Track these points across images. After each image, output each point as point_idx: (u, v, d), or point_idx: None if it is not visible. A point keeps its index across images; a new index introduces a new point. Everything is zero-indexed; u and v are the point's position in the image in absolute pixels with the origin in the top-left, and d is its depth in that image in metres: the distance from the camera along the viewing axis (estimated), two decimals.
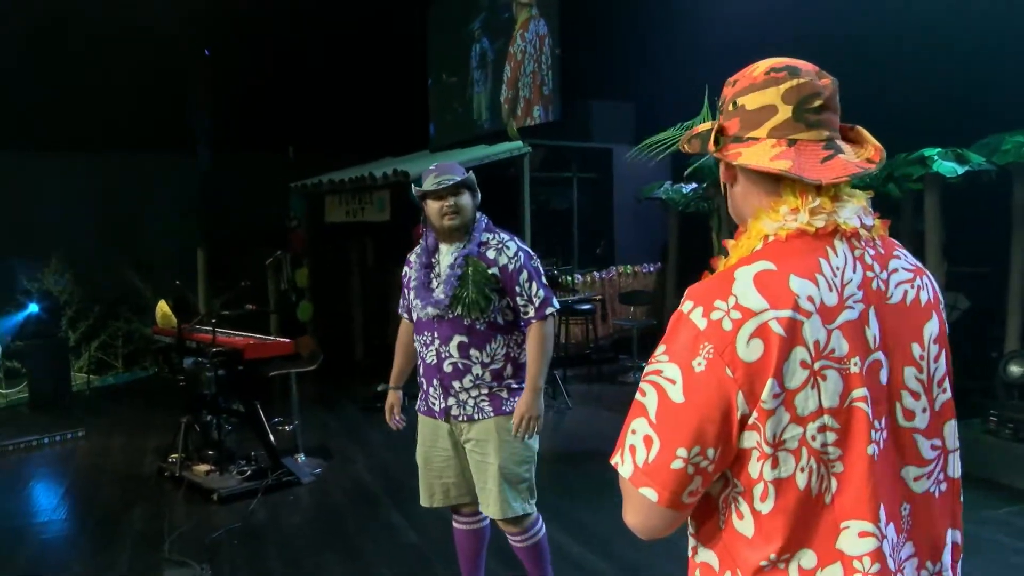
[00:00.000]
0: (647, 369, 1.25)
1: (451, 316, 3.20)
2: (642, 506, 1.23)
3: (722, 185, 1.40)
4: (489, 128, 9.93)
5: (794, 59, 1.31)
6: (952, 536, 1.32)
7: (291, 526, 4.88)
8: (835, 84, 1.30)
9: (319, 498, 5.35)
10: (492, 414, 3.23)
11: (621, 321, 9.36)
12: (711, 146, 1.29)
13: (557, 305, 3.34)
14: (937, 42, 6.32)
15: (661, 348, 1.24)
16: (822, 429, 1.17)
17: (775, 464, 1.17)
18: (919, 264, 1.35)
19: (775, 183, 1.28)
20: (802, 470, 1.17)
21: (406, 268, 3.47)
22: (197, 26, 9.52)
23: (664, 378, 1.20)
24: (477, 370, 3.21)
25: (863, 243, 1.27)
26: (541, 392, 3.26)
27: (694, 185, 8.61)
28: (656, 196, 9.24)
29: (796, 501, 1.18)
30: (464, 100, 10.49)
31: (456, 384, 3.23)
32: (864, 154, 1.31)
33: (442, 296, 3.20)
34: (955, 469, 1.32)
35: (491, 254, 3.25)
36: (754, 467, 1.19)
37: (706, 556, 1.30)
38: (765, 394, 1.15)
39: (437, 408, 3.29)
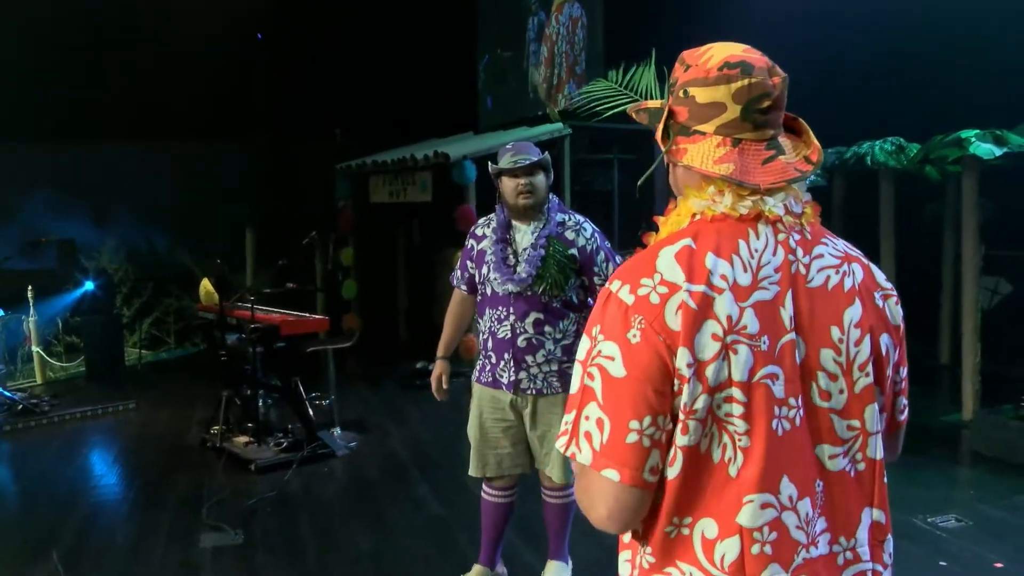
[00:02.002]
0: (586, 353, 1.28)
1: (530, 293, 3.33)
2: (606, 491, 1.24)
3: (666, 163, 1.42)
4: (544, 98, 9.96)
5: (749, 51, 1.32)
6: (872, 515, 1.34)
7: (323, 496, 5.06)
8: (785, 82, 1.32)
9: (352, 470, 5.53)
10: (560, 390, 3.37)
11: None
12: (661, 140, 1.33)
13: None
14: (978, 24, 6.20)
15: (595, 329, 1.28)
16: (728, 400, 1.22)
17: (684, 431, 1.22)
18: (852, 252, 1.37)
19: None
20: (705, 436, 1.23)
21: (472, 241, 3.56)
22: (247, 13, 9.75)
23: (604, 357, 1.25)
24: (550, 345, 3.35)
25: (788, 228, 1.31)
26: None
27: None
28: None
29: (699, 466, 1.23)
30: (520, 74, 10.51)
31: (529, 358, 3.35)
32: (803, 151, 1.34)
33: (525, 275, 3.32)
34: (876, 451, 1.33)
35: (570, 235, 3.39)
36: None
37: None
38: (679, 362, 1.20)
39: (506, 380, 3.39)
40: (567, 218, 3.44)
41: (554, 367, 3.37)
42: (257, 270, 9.64)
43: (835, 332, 1.29)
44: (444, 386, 3.62)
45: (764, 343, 1.23)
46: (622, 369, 1.22)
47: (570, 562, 3.75)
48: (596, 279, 3.38)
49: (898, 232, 6.92)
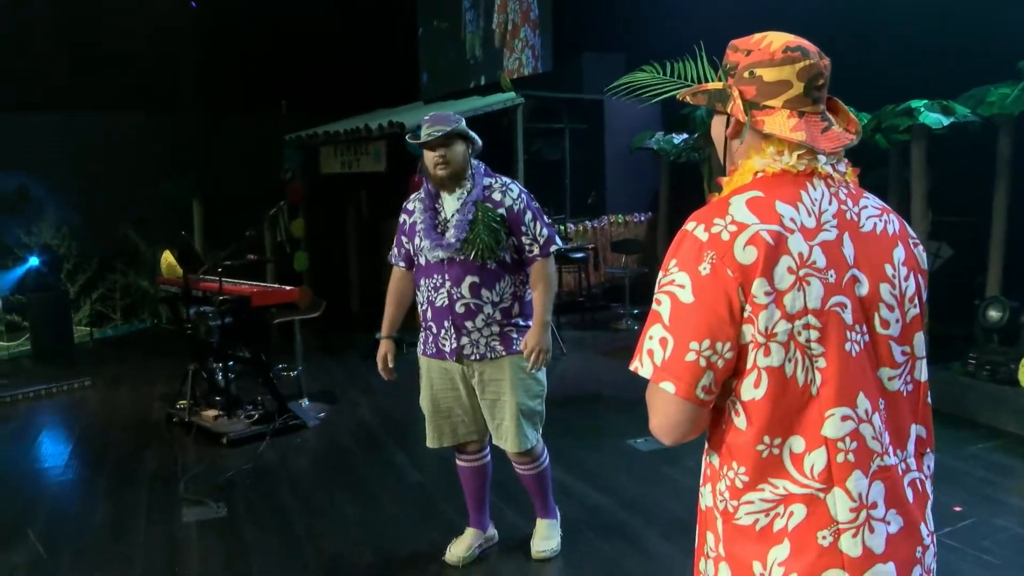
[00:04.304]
0: (660, 282, 1.44)
1: (461, 258, 3.34)
2: (662, 401, 1.42)
3: (722, 138, 1.60)
4: (483, 60, 9.93)
5: (799, 38, 1.51)
6: (916, 430, 1.52)
7: (300, 467, 5.08)
8: (830, 65, 1.52)
9: (325, 440, 5.55)
10: (504, 353, 3.41)
11: (613, 270, 9.53)
12: (740, 114, 1.49)
13: (560, 243, 3.55)
14: None
15: (672, 262, 1.44)
16: (806, 327, 1.38)
17: (767, 353, 1.38)
18: (885, 206, 1.57)
19: (767, 136, 1.50)
20: (789, 360, 1.38)
21: (403, 216, 3.58)
22: None
23: (675, 285, 1.41)
24: (488, 309, 3.38)
25: (837, 183, 1.50)
26: (549, 326, 3.47)
27: (685, 135, 8.71)
28: (647, 146, 9.34)
29: (784, 389, 1.39)
30: (457, 43, 10.47)
31: (468, 324, 3.38)
32: (843, 123, 1.54)
33: (453, 240, 3.34)
34: (921, 373, 1.52)
35: (497, 196, 3.42)
36: (749, 358, 1.39)
37: (711, 458, 1.52)
38: (755, 290, 1.36)
39: (448, 349, 3.42)
40: (494, 181, 3.47)
41: (495, 330, 3.40)
42: (207, 242, 9.46)
43: (888, 269, 1.48)
44: (390, 365, 3.60)
45: (831, 276, 1.41)
46: (690, 296, 1.39)
47: (558, 514, 3.87)
48: (524, 238, 3.41)
49: None
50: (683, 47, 6.03)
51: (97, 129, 9.50)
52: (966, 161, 6.37)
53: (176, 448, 5.39)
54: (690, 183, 8.92)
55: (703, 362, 1.37)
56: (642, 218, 10.07)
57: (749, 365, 1.39)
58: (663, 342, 1.40)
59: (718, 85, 1.55)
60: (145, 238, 9.58)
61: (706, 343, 1.37)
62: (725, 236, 1.39)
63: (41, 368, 7.75)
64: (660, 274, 1.46)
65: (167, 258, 6.06)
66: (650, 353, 1.42)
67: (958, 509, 4.08)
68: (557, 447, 5.00)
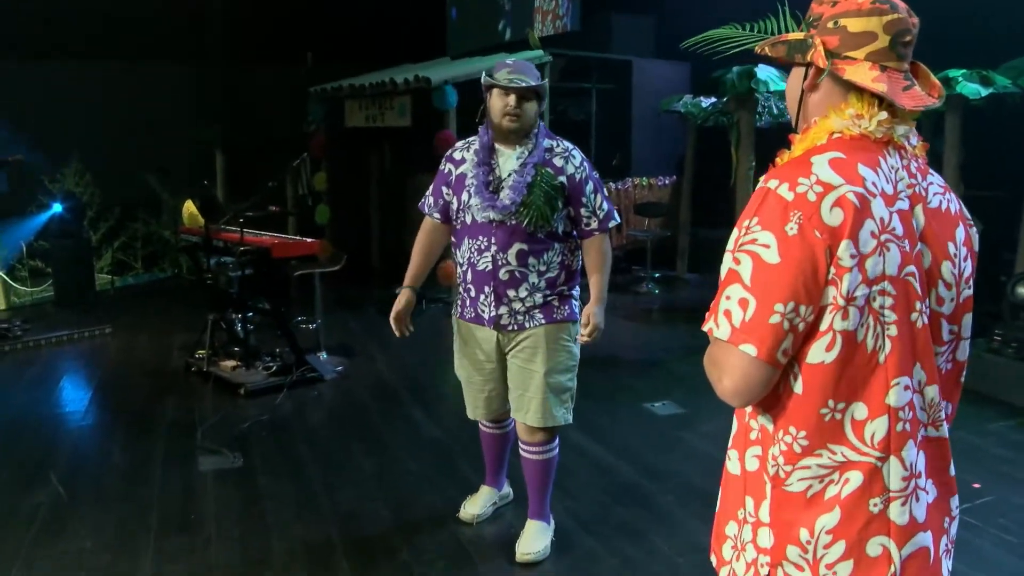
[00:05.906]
0: (739, 241, 1.40)
1: (513, 223, 3.12)
2: (741, 363, 1.39)
3: (798, 92, 1.56)
4: (511, 6, 9.75)
5: None
6: (945, 408, 1.53)
7: (317, 419, 5.10)
8: (919, 24, 1.47)
9: (343, 394, 5.57)
10: (543, 322, 3.21)
11: (636, 232, 9.45)
12: (821, 59, 1.46)
13: (619, 219, 3.35)
14: None
15: (752, 220, 1.40)
16: (882, 292, 1.37)
17: (845, 316, 1.36)
18: (946, 184, 1.55)
19: (844, 94, 1.48)
20: (862, 325, 1.37)
21: (449, 166, 3.32)
22: None
23: (759, 245, 1.37)
24: (533, 278, 3.18)
25: (909, 156, 1.48)
26: (605, 304, 3.32)
27: (713, 99, 8.58)
28: (675, 109, 9.20)
29: (853, 354, 1.38)
30: None
31: (511, 292, 3.18)
32: (925, 87, 1.49)
33: (508, 202, 3.10)
34: (963, 353, 1.54)
35: (558, 162, 3.18)
36: (825, 320, 1.37)
37: (762, 421, 1.49)
38: (841, 252, 1.34)
39: (487, 315, 3.23)
40: (555, 144, 3.22)
41: (537, 299, 3.19)
42: (230, 193, 9.45)
43: (951, 247, 1.47)
44: (405, 319, 3.35)
45: (906, 245, 1.40)
46: (776, 256, 1.35)
47: (552, 522, 3.57)
48: (583, 210, 3.19)
49: None
50: (715, 11, 5.90)
51: (122, 79, 9.46)
52: (1001, 134, 6.23)
53: (194, 397, 5.43)
54: (716, 147, 8.81)
55: (786, 325, 1.35)
56: (666, 181, 9.96)
57: (824, 327, 1.37)
58: (743, 303, 1.37)
59: (799, 35, 1.52)
60: (167, 188, 9.57)
61: (791, 305, 1.34)
62: (811, 196, 1.35)
63: (63, 314, 7.79)
64: (736, 232, 1.42)
65: (189, 207, 6.05)
66: (727, 314, 1.39)
67: (977, 486, 4.05)
68: (576, 409, 4.98)
